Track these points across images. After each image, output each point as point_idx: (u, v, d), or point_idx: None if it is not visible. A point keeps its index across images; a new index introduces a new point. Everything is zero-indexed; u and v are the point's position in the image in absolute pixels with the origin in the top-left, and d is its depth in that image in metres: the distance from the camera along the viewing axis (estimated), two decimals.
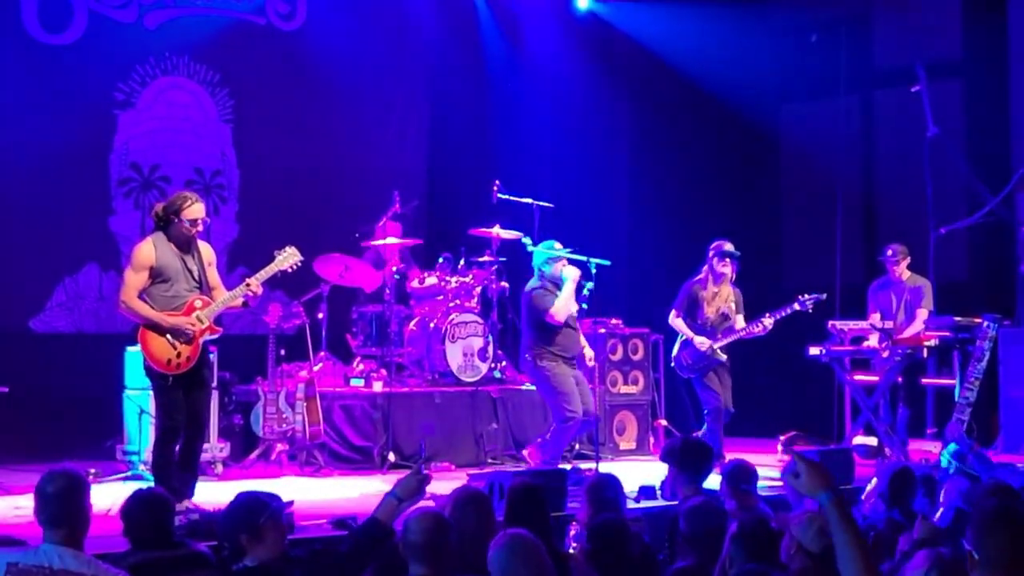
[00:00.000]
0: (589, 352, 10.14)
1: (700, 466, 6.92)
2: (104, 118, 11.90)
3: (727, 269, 10.28)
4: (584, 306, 9.88)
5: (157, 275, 7.76)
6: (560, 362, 9.70)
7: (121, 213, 11.99)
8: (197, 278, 7.88)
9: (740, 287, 10.49)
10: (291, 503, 5.30)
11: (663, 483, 7.91)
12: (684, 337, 10.32)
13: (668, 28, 13.55)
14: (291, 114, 12.70)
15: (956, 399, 10.09)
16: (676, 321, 10.35)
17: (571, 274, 9.69)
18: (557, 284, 9.72)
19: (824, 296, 10.34)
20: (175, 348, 7.75)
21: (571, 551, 5.77)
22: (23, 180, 11.29)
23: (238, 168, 12.59)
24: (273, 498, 5.00)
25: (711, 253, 10.29)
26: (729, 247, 10.31)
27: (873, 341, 10.78)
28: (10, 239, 11.26)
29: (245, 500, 4.93)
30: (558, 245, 9.85)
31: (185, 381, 7.82)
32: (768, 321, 10.17)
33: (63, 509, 4.62)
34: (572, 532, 6.05)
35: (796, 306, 10.22)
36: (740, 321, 10.31)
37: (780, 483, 8.08)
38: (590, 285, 9.82)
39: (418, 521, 4.71)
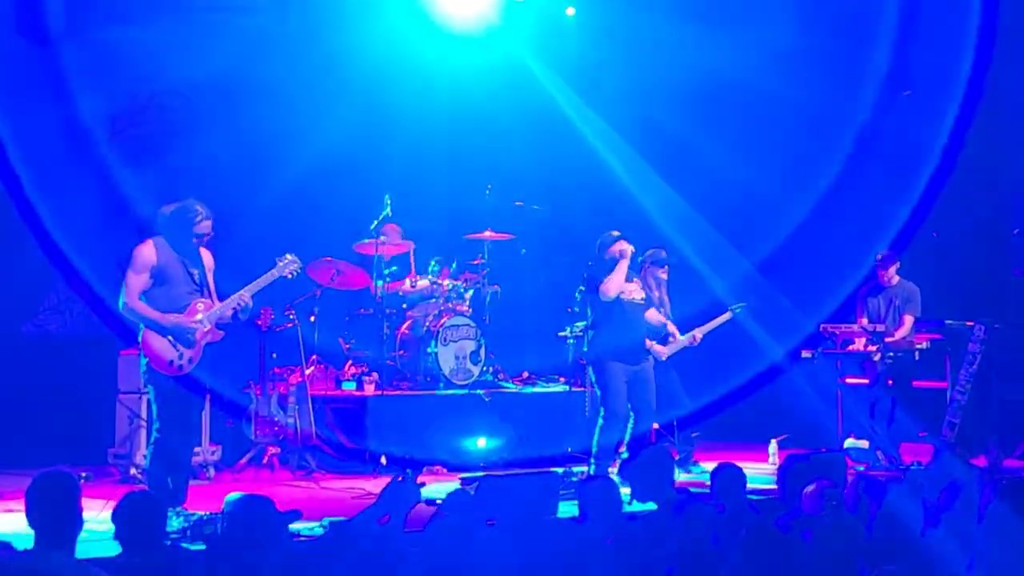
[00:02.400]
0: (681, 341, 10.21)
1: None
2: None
3: (665, 275, 10.33)
4: (643, 299, 9.68)
5: (158, 277, 7.69)
6: (614, 357, 9.41)
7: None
8: (198, 281, 7.83)
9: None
10: (299, 513, 5.31)
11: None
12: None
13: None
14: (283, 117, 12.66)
15: (948, 402, 10.11)
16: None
17: (622, 251, 9.49)
18: (614, 265, 9.51)
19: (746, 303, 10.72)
20: (177, 350, 7.71)
21: None
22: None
23: None
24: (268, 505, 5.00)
25: (648, 263, 10.22)
26: (664, 254, 10.40)
27: (862, 344, 10.79)
28: (1, 242, 11.23)
29: (263, 508, 4.87)
30: (615, 233, 9.65)
31: (184, 383, 7.80)
32: (699, 333, 10.42)
33: (54, 512, 4.62)
34: None
35: (728, 314, 10.60)
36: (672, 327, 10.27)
37: (772, 486, 8.11)
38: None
39: None
